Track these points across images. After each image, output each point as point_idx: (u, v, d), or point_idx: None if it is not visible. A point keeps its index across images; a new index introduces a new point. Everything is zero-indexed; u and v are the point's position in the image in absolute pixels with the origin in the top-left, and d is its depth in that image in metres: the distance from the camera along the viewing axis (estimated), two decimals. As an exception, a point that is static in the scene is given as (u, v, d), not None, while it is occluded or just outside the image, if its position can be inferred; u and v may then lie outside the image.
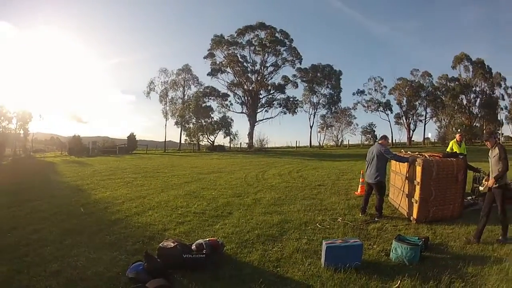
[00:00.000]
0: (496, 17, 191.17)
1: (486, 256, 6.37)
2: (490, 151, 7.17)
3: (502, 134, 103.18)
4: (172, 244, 5.52)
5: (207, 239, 5.85)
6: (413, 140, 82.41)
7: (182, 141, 66.77)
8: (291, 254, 6.16)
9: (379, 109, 79.11)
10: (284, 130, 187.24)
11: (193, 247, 5.65)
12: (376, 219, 8.94)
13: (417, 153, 10.01)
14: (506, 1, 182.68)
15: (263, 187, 14.15)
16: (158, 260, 5.27)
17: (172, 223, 8.30)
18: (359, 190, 12.09)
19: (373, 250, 6.49)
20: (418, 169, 8.44)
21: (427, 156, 9.19)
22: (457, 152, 12.06)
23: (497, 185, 6.81)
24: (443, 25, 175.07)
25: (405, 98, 79.61)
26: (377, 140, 10.27)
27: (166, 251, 5.43)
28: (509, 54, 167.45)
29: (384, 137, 9.81)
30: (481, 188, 9.18)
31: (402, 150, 11.79)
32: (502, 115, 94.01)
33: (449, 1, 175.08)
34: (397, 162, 9.97)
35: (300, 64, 70.64)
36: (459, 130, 61.19)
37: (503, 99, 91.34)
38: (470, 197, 10.90)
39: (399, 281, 5.05)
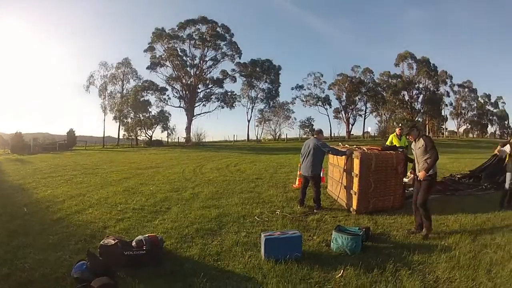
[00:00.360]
0: (444, 17, 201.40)
1: (432, 244, 6.62)
2: (414, 143, 7.40)
3: (446, 129, 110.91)
4: (113, 242, 5.44)
5: (147, 235, 5.78)
6: (353, 134, 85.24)
7: (120, 136, 66.05)
8: (230, 247, 6.19)
9: (317, 104, 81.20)
10: (221, 125, 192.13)
11: (133, 243, 5.57)
12: (315, 210, 9.16)
13: (355, 146, 10.32)
14: (453, 1, 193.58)
15: (201, 182, 14.21)
16: (100, 258, 5.18)
17: (112, 220, 8.19)
18: (296, 183, 12.33)
19: (313, 241, 6.60)
20: (356, 162, 8.75)
21: (365, 149, 9.48)
22: (397, 145, 12.59)
23: (428, 175, 7.00)
24: (388, 24, 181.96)
25: (344, 93, 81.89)
26: (313, 134, 10.56)
27: (107, 249, 5.35)
28: (455, 52, 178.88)
29: (320, 131, 10.05)
30: (405, 180, 9.70)
31: (340, 143, 12.14)
32: (446, 111, 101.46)
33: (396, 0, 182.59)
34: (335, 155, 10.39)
35: (240, 58, 71.96)
36: (400, 125, 63.57)
37: (448, 96, 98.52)
38: (411, 188, 11.37)
39: (342, 271, 5.18)
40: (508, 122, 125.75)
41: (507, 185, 10.12)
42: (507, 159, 12.99)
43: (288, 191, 11.80)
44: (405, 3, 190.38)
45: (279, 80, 76.63)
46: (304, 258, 5.63)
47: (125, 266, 5.16)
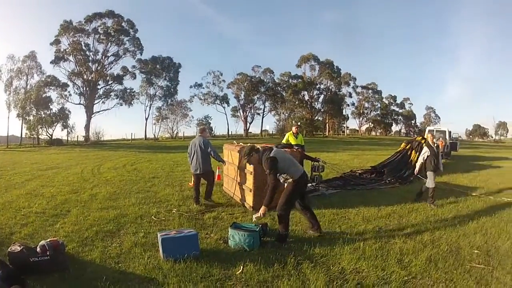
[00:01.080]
0: (351, 22, 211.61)
1: (333, 237, 7.02)
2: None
3: (347, 127, 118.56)
4: (19, 248, 5.30)
5: (49, 240, 5.63)
6: (251, 132, 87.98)
7: (23, 135, 62.31)
8: (130, 248, 6.22)
9: (215, 102, 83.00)
10: (121, 123, 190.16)
11: (38, 249, 5.42)
12: (207, 202, 9.78)
13: (249, 144, 10.39)
14: (363, 7, 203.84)
15: (99, 182, 14.09)
16: (10, 266, 5.04)
17: (17, 225, 7.88)
18: (192, 182, 12.23)
19: (210, 239, 6.78)
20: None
21: (260, 147, 9.67)
22: (293, 143, 13.29)
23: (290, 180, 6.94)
24: (298, 27, 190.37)
25: (243, 92, 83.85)
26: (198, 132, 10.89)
27: (14, 256, 5.20)
28: (363, 56, 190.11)
29: (204, 129, 10.49)
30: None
31: (234, 141, 12.27)
32: (348, 111, 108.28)
33: (305, 3, 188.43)
34: (231, 152, 10.72)
35: (141, 55, 71.80)
36: (299, 123, 67.03)
37: (351, 97, 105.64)
38: (310, 184, 11.79)
39: (242, 267, 5.34)
40: (415, 121, 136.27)
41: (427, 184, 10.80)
42: (412, 156, 14.12)
43: (184, 189, 12.03)
44: (318, 7, 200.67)
45: (178, 78, 77.78)
46: (203, 256, 5.75)
47: (32, 273, 5.03)
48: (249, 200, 9.15)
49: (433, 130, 31.49)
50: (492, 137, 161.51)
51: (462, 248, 6.87)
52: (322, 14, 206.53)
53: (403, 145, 19.48)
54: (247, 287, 4.89)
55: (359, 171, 17.29)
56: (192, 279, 4.94)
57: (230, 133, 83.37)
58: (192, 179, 11.76)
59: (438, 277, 5.47)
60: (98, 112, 68.33)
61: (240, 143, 11.02)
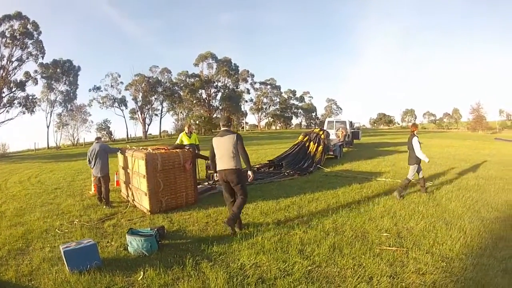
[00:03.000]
0: (250, 22, 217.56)
1: (230, 235, 7.32)
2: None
3: (247, 123, 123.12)
4: None
5: None
6: (150, 134, 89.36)
7: None
8: (39, 265, 6.19)
9: (114, 105, 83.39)
10: (26, 132, 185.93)
11: None
12: (105, 206, 10.48)
13: (140, 147, 11.05)
14: (263, 7, 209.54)
15: (7, 198, 13.69)
16: None
17: None
18: (93, 189, 12.63)
19: (111, 247, 6.95)
20: (142, 163, 9.30)
21: (150, 149, 10.15)
22: (187, 143, 13.77)
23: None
24: (198, 27, 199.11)
25: (141, 94, 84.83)
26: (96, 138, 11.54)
27: None
28: (260, 56, 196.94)
29: (99, 138, 11.47)
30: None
31: (127, 145, 12.76)
32: (246, 107, 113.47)
33: (206, 5, 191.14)
34: (123, 157, 11.17)
35: (43, 59, 68.76)
36: (197, 123, 68.94)
37: (249, 93, 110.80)
38: (207, 183, 12.47)
39: (143, 272, 5.55)
40: (316, 113, 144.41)
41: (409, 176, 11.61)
42: (311, 148, 15.39)
43: (85, 198, 12.05)
44: (217, 7, 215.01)
45: (78, 82, 76.55)
46: (105, 265, 5.88)
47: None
48: (146, 204, 9.42)
49: (333, 121, 33.37)
50: (398, 123, 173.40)
51: (369, 232, 7.44)
52: (222, 15, 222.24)
53: (301, 137, 20.79)
54: None
55: (257, 166, 17.91)
56: (98, 290, 5.01)
57: (129, 136, 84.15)
58: (92, 187, 12.07)
59: (344, 263, 5.87)
60: (3, 122, 65.07)
61: (133, 147, 11.32)
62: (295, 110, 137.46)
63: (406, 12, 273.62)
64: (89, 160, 10.96)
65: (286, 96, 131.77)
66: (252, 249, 6.43)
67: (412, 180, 11.70)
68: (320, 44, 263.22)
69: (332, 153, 22.72)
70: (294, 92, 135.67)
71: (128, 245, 6.54)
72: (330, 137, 24.75)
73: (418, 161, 11.65)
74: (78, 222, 8.93)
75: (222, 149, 7.64)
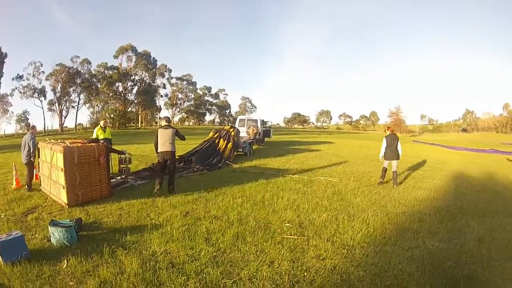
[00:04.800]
0: (175, 16, 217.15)
1: (142, 225, 8.02)
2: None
3: (160, 118, 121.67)
4: None
5: None
6: (66, 127, 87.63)
7: None
8: None
9: (34, 96, 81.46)
10: None
11: None
12: (28, 192, 11.55)
13: (59, 140, 11.24)
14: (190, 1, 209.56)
15: None
16: None
17: None
18: (14, 183, 12.78)
19: (36, 239, 7.29)
20: (60, 157, 9.65)
21: (68, 143, 10.52)
22: (102, 137, 14.53)
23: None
24: (123, 19, 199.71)
25: (60, 84, 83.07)
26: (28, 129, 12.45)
27: None
28: (180, 50, 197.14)
29: (33, 127, 12.48)
30: None
31: (47, 138, 12.68)
32: (161, 102, 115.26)
33: None
34: (45, 151, 11.44)
35: None
36: (110, 117, 68.80)
37: (165, 88, 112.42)
38: (120, 177, 13.07)
39: (66, 261, 6.05)
40: (230, 111, 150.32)
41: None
42: (221, 144, 16.89)
43: (8, 192, 12.07)
44: (146, 3, 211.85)
45: (3, 70, 73.06)
46: (33, 256, 6.27)
47: None
48: (64, 197, 9.73)
49: (245, 119, 34.83)
50: (313, 123, 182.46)
51: (272, 223, 8.41)
52: (148, 7, 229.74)
53: (211, 134, 21.86)
54: (75, 279, 5.53)
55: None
56: (30, 279, 5.50)
57: (46, 128, 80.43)
58: (14, 180, 12.44)
59: (247, 249, 6.71)
60: None
61: (52, 140, 11.43)
62: (209, 107, 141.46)
63: (330, 15, 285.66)
64: (22, 147, 12.06)
65: (201, 93, 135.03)
66: (162, 238, 7.16)
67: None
68: (242, 43, 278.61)
69: (241, 150, 24.01)
70: (209, 89, 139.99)
71: (51, 237, 6.96)
72: (241, 135, 26.07)
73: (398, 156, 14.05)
74: (4, 216, 9.13)
75: (165, 137, 11.54)
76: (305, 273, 5.99)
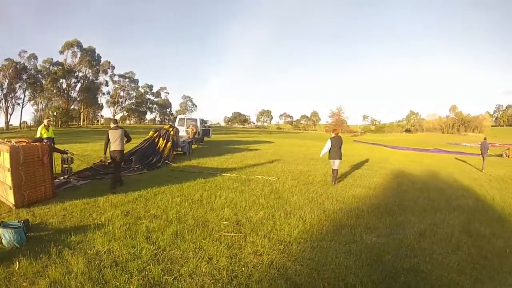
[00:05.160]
0: (121, 11, 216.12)
1: (86, 225, 8.24)
2: None
3: (102, 116, 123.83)
4: None
5: None
6: (11, 125, 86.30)
7: None
8: None
9: None
10: None
11: None
12: None
13: (6, 139, 11.14)
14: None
15: None
16: None
17: None
18: None
19: None
20: (7, 156, 9.55)
21: (14, 142, 10.44)
22: (46, 136, 14.76)
23: None
24: (69, 11, 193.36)
25: (7, 80, 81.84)
26: None
27: None
28: (125, 47, 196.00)
29: None
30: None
31: None
32: (103, 99, 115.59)
33: None
34: None
35: None
36: (53, 115, 68.07)
37: (107, 85, 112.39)
38: (62, 177, 13.11)
39: (18, 263, 6.12)
40: (171, 109, 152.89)
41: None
42: (160, 143, 17.76)
43: None
44: None
45: None
46: None
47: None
48: (11, 198, 9.68)
49: (184, 118, 35.42)
50: (254, 123, 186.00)
51: (210, 221, 8.82)
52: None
53: (151, 133, 22.07)
54: (27, 280, 5.64)
55: (108, 161, 18.24)
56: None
57: None
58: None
59: (186, 247, 7.05)
60: None
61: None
62: (150, 105, 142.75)
63: (273, 15, 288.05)
64: None
65: (142, 91, 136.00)
66: (105, 237, 7.38)
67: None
68: (185, 41, 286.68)
69: (181, 150, 24.54)
70: (151, 87, 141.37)
71: (2, 238, 7.05)
72: (180, 134, 26.41)
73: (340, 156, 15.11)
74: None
75: (115, 137, 12.87)
76: (243, 268, 6.32)
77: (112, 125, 13.39)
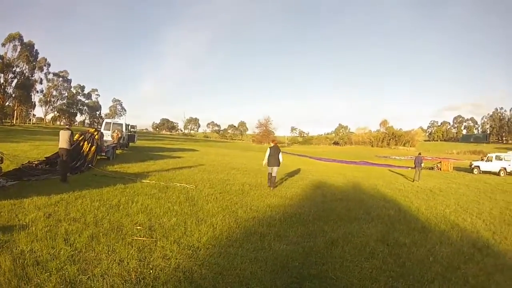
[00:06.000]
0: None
1: (12, 225, 8.82)
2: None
3: (34, 115, 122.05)
4: None
5: None
6: None
7: None
8: None
9: None
10: None
11: None
12: None
13: None
14: None
15: None
16: None
17: None
18: None
19: None
20: None
21: None
22: None
23: None
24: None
25: None
26: None
27: None
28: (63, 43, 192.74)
29: None
30: None
31: None
32: (36, 98, 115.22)
33: None
34: None
35: None
36: None
37: (41, 83, 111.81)
38: None
39: None
40: (100, 112, 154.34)
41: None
42: (85, 147, 18.99)
43: None
44: None
45: None
46: None
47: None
48: None
49: (111, 122, 36.40)
50: (181, 130, 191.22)
51: (125, 225, 9.52)
52: None
53: (77, 136, 22.41)
54: None
55: (35, 162, 19.50)
56: None
57: None
58: None
59: (100, 249, 7.63)
60: None
61: None
62: (81, 107, 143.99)
63: (210, 24, 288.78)
64: None
65: (74, 91, 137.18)
66: (28, 237, 7.95)
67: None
68: (120, 44, 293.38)
69: (104, 154, 25.38)
70: (83, 88, 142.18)
71: None
72: (105, 138, 27.34)
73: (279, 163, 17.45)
74: None
75: (64, 137, 15.80)
76: (151, 271, 6.96)
77: (64, 126, 14.85)
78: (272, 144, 18.83)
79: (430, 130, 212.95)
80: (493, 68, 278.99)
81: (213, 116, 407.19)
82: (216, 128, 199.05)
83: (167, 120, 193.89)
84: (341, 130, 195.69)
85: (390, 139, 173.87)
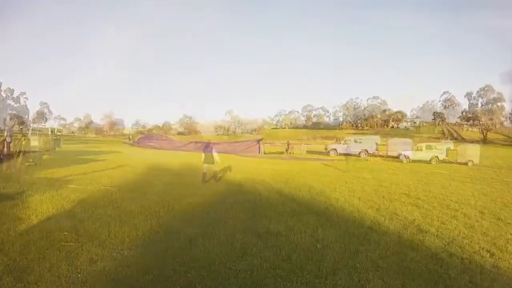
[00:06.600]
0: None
1: None
2: None
3: None
4: None
5: None
6: None
7: None
8: None
9: None
10: None
11: None
12: None
13: None
14: None
15: None
16: None
17: None
18: None
19: None
20: None
21: None
22: None
23: None
24: None
25: None
26: None
27: None
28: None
29: None
30: None
31: None
32: None
33: None
34: None
35: None
36: None
37: None
38: None
39: None
40: (28, 117, 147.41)
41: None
42: None
43: None
44: None
45: None
46: None
47: None
48: None
49: (37, 127, 36.27)
50: (107, 132, 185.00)
51: (53, 231, 9.81)
52: None
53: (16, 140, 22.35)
54: None
55: None
56: None
57: None
58: None
59: (33, 257, 7.87)
60: None
61: None
62: (10, 111, 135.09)
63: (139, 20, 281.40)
64: None
65: (4, 95, 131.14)
66: None
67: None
68: (53, 41, 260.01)
69: (32, 160, 25.34)
70: (12, 91, 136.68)
71: None
72: (32, 144, 27.18)
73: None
74: None
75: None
76: (79, 275, 7.29)
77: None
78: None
79: (278, 118, 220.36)
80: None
81: (139, 115, 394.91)
82: (141, 128, 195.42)
83: (92, 122, 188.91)
84: (185, 120, 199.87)
85: (236, 128, 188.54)
